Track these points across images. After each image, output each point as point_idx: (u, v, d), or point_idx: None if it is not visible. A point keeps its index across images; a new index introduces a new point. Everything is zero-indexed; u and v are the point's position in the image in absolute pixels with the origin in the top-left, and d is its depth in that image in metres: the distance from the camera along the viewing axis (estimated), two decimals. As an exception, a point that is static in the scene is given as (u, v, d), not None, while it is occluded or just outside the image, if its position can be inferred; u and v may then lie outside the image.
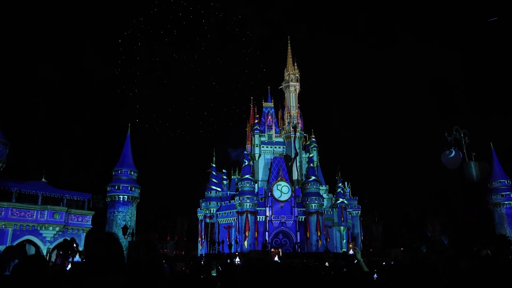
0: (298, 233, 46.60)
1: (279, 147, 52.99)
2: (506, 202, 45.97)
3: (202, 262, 28.19)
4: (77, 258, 19.30)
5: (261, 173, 51.72)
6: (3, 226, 28.11)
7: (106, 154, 63.57)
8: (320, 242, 45.43)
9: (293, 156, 52.06)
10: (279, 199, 47.44)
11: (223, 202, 49.86)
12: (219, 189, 50.83)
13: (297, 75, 55.58)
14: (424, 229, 56.84)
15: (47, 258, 25.59)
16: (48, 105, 72.59)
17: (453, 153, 47.41)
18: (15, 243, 27.59)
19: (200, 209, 51.23)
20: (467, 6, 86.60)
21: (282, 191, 47.73)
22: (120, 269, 2.47)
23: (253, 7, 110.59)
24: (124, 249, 2.58)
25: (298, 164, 52.22)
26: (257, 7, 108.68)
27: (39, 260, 2.97)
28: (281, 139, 53.63)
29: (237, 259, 25.14)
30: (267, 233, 46.23)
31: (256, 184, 49.10)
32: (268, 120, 54.53)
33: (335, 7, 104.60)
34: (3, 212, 28.20)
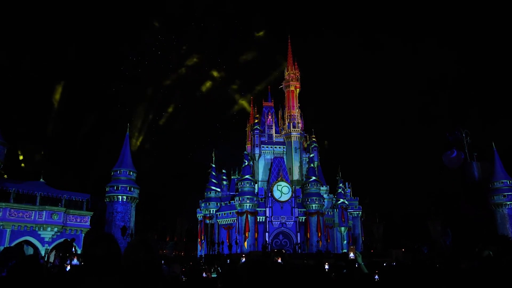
0: (299, 234, 46.33)
1: (279, 147, 52.73)
2: (508, 203, 45.71)
3: (202, 263, 27.95)
4: (75, 261, 19.05)
5: (261, 173, 51.46)
6: (1, 227, 27.94)
7: (105, 154, 63.37)
8: (320, 243, 45.15)
9: (293, 156, 51.83)
10: (279, 199, 47.17)
11: (222, 203, 49.61)
12: (218, 190, 50.56)
13: (297, 75, 55.32)
14: (425, 229, 56.54)
15: (46, 259, 25.36)
16: (46, 104, 72.38)
17: (455, 153, 47.21)
18: (13, 244, 27.37)
19: (200, 209, 50.99)
20: (467, 5, 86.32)
21: (282, 191, 47.47)
22: (117, 271, 2.43)
23: (253, 6, 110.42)
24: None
25: (298, 164, 51.99)
26: (257, 6, 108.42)
27: (33, 261, 2.93)
28: (281, 139, 53.37)
29: (243, 260, 24.77)
30: (267, 233, 45.96)
31: (256, 185, 48.83)
32: (268, 120, 54.28)
33: (335, 7, 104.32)
34: (1, 213, 28.02)
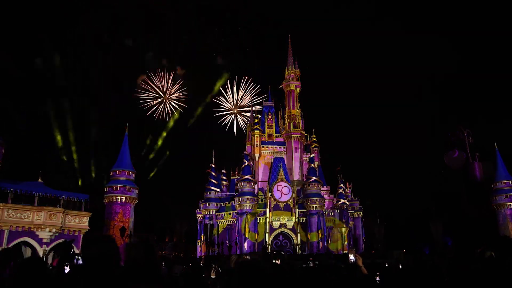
0: (299, 235, 46.04)
1: (279, 147, 52.47)
2: (511, 203, 45.40)
3: (201, 264, 27.69)
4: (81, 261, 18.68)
5: (261, 174, 51.21)
6: (-1, 227, 27.66)
7: (104, 154, 63.14)
8: (321, 243, 44.86)
9: (293, 156, 51.43)
10: (280, 200, 46.90)
11: (222, 203, 49.37)
12: (218, 190, 50.35)
13: (298, 74, 55.11)
14: (427, 230, 56.21)
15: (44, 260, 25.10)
16: (45, 103, 72.12)
17: (457, 154, 46.87)
18: (11, 245, 27.11)
19: (199, 210, 50.73)
20: (470, 3, 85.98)
21: (283, 191, 47.20)
22: (158, 278, 2.44)
23: (254, 5, 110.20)
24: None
25: (298, 164, 51.71)
26: (258, 5, 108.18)
27: (38, 262, 2.88)
28: (281, 139, 53.11)
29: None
30: (267, 234, 45.67)
31: (256, 185, 48.57)
32: (268, 119, 54.04)
33: (336, 6, 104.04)
34: (-2, 213, 27.73)
